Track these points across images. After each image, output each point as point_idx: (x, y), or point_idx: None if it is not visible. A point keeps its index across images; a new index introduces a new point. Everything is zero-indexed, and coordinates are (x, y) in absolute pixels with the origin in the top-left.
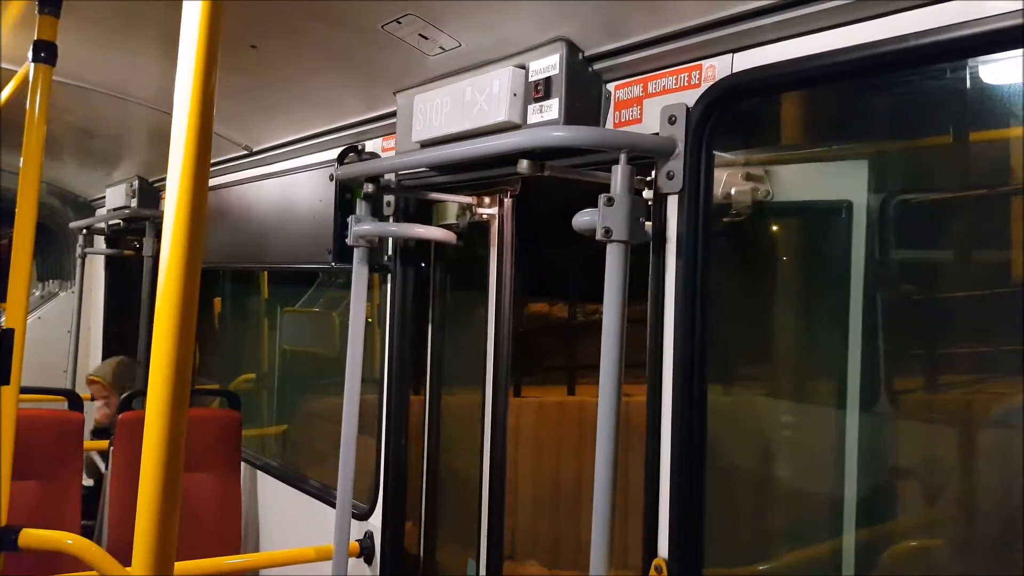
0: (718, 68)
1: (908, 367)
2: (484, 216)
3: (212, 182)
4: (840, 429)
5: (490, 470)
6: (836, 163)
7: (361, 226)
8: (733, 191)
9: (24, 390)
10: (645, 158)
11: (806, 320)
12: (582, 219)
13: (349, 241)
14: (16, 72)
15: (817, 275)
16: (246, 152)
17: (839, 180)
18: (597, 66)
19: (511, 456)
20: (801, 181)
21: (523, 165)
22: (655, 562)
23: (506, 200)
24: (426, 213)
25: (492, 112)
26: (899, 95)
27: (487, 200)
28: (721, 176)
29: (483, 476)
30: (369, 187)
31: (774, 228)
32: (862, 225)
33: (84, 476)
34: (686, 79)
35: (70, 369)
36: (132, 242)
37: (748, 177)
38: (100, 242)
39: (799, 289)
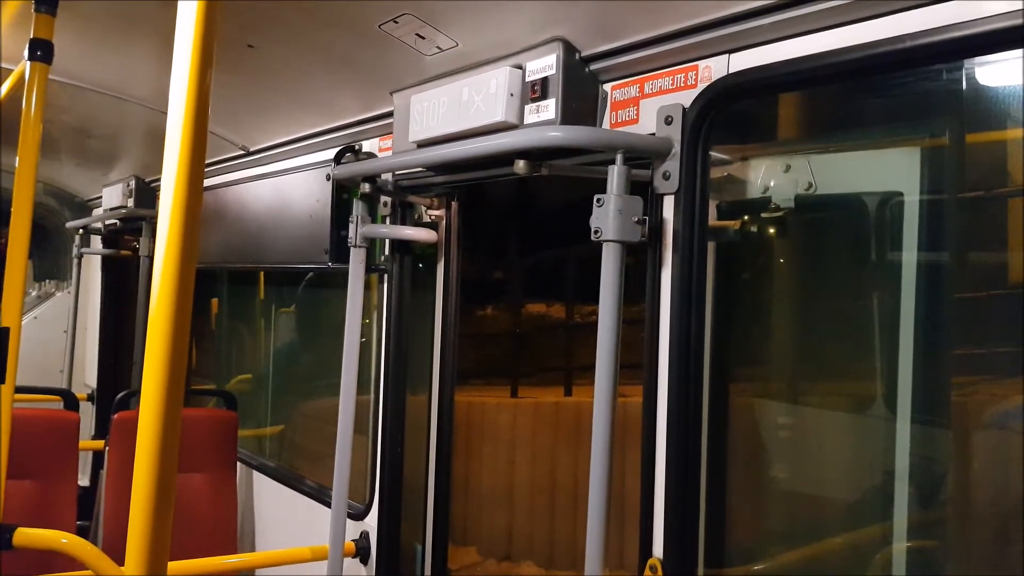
0: (714, 69)
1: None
2: (433, 217)
3: (209, 182)
4: (890, 438)
5: (436, 461)
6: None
7: (352, 227)
8: (772, 183)
9: (20, 389)
10: (642, 158)
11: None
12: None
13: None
14: (12, 71)
15: (867, 269)
16: (243, 152)
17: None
18: (594, 66)
19: (507, 457)
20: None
21: (520, 165)
22: (650, 562)
23: (453, 203)
24: (410, 214)
25: (489, 112)
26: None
27: (436, 202)
28: (759, 168)
29: (429, 467)
30: (366, 187)
31: (817, 222)
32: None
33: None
34: (682, 79)
35: (66, 369)
36: (129, 242)
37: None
38: (96, 242)
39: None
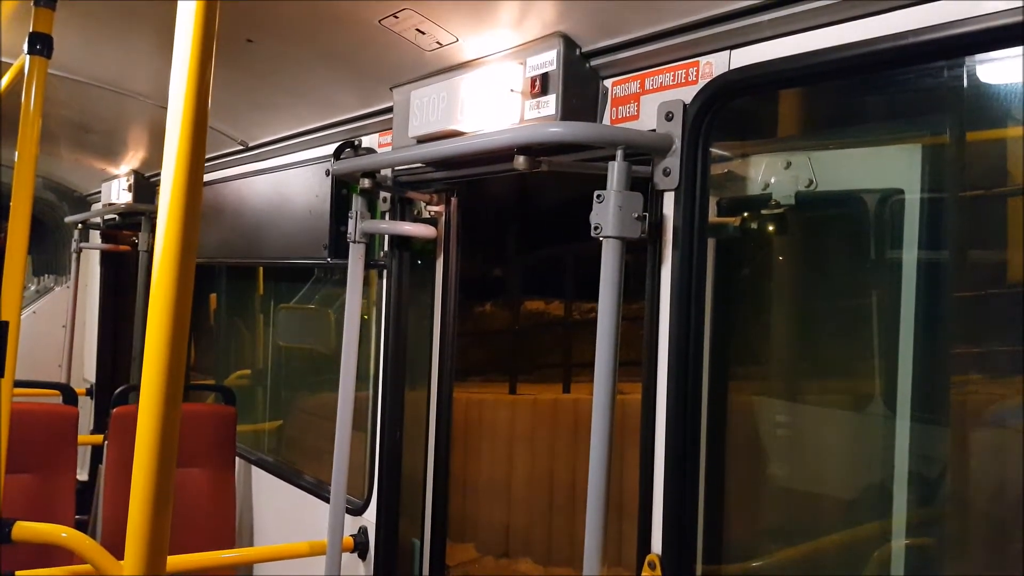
0: (715, 65)
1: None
2: (432, 213)
3: (208, 177)
4: (889, 436)
5: (435, 457)
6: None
7: (352, 222)
8: (773, 180)
9: (18, 384)
10: (642, 154)
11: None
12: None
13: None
14: (11, 65)
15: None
16: (242, 147)
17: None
18: (595, 62)
19: (506, 453)
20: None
21: (519, 161)
22: (649, 558)
23: (452, 199)
24: (410, 209)
25: (489, 108)
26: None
27: (435, 198)
28: (760, 165)
29: (427, 463)
30: (365, 183)
31: (818, 219)
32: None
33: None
34: (683, 76)
35: (65, 363)
36: (128, 237)
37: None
38: (96, 237)
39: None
